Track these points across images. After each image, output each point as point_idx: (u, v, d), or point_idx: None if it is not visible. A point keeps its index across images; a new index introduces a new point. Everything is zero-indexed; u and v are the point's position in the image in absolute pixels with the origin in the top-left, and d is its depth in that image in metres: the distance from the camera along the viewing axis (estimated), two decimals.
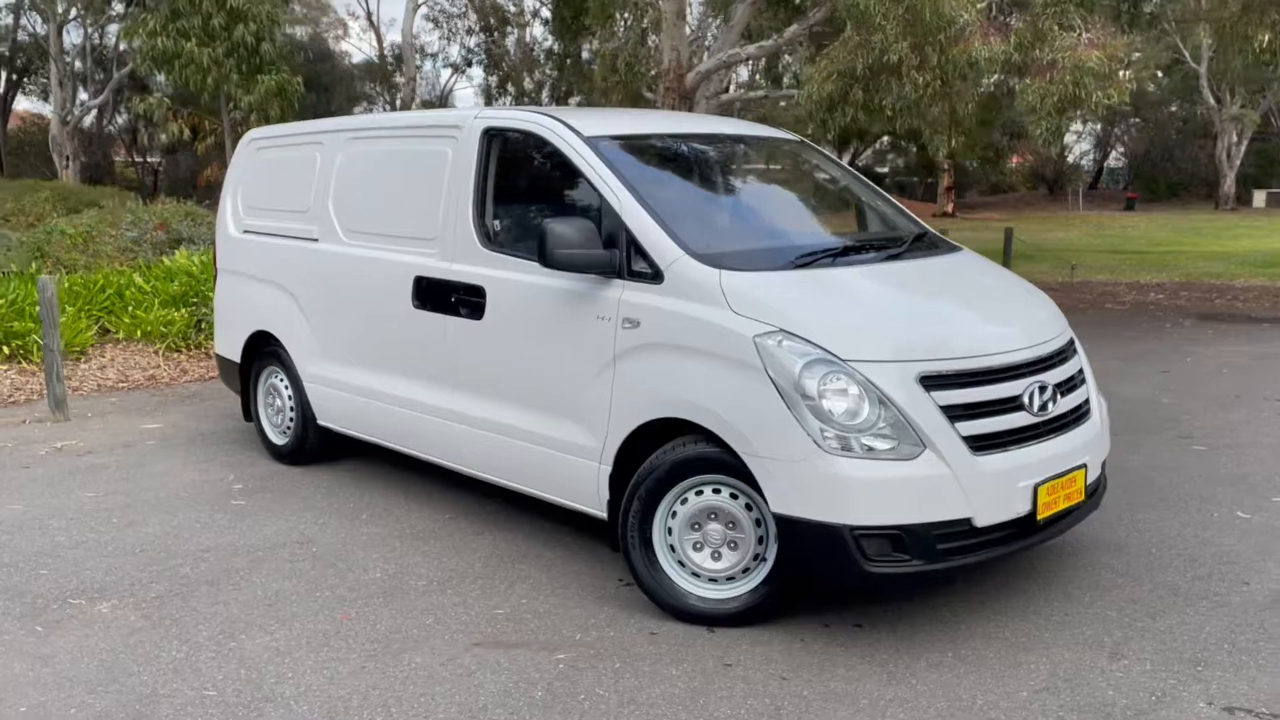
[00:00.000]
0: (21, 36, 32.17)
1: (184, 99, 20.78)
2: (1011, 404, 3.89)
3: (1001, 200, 50.35)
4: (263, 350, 6.24)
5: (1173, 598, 4.29)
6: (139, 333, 9.63)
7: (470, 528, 5.12)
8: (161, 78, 18.62)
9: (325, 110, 33.75)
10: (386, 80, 37.96)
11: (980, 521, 3.75)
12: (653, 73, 17.65)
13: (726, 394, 3.81)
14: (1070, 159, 56.79)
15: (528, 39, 35.25)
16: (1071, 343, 4.41)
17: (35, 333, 8.74)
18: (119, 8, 25.98)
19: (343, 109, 36.82)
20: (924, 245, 4.82)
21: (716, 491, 3.95)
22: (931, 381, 3.72)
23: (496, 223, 4.77)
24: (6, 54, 33.17)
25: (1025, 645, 3.87)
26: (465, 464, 4.98)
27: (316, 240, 5.73)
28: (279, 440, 6.23)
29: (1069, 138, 54.98)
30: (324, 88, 39.16)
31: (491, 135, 4.80)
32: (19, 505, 5.53)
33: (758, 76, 21.34)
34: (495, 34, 33.84)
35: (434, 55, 38.34)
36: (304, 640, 3.92)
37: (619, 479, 4.18)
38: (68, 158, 27.85)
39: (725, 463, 3.85)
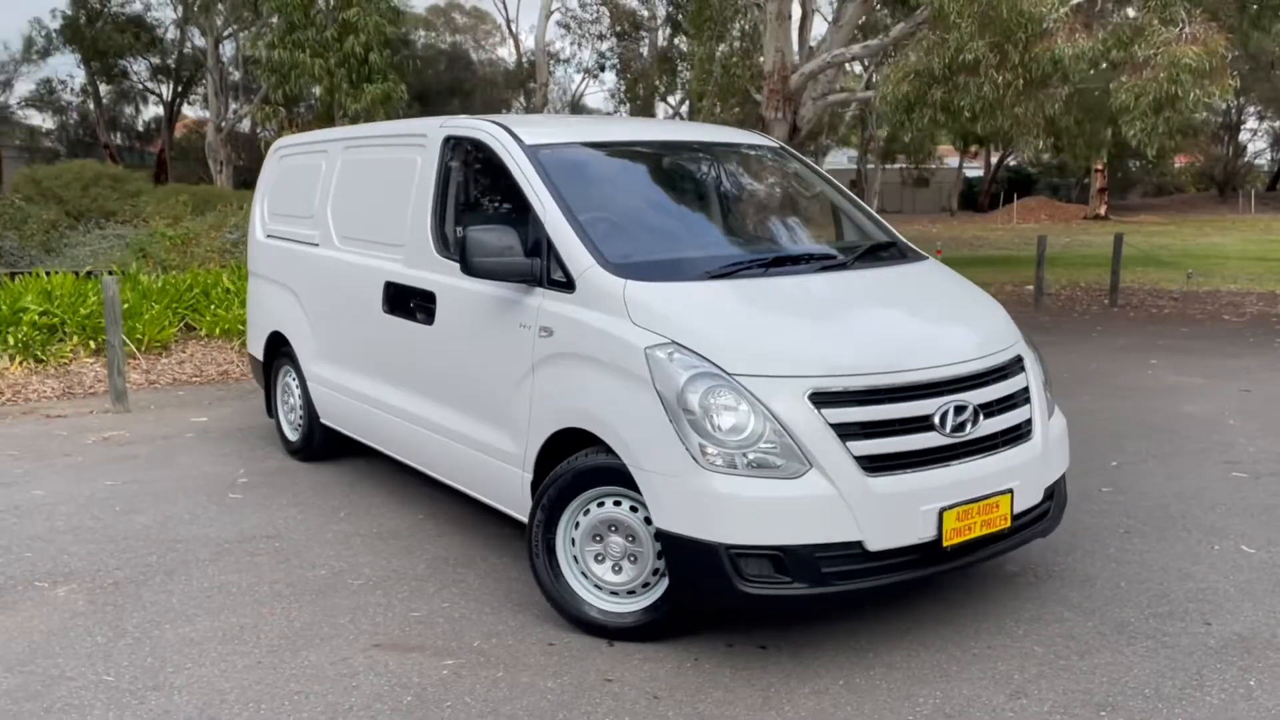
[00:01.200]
0: (186, 49, 34.35)
1: (305, 107, 21.87)
2: (919, 424, 3.71)
3: (1166, 203, 47.69)
4: (279, 350, 6.51)
5: (1115, 635, 4.01)
6: (218, 330, 10.18)
7: (435, 529, 5.21)
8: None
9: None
10: (523, 86, 38.81)
11: (873, 545, 3.59)
12: (753, 74, 17.47)
13: (620, 406, 3.78)
14: (1245, 158, 53.22)
15: (659, 43, 35.47)
16: (1016, 361, 4.17)
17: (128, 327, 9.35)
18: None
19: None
20: (877, 256, 4.67)
21: (617, 504, 3.91)
22: (823, 398, 3.58)
23: (451, 230, 4.85)
24: (173, 66, 35.46)
25: (925, 677, 3.69)
26: (427, 466, 5.09)
27: (317, 245, 5.95)
28: (292, 436, 6.50)
29: (1243, 135, 51.47)
30: (465, 94, 40.45)
31: (451, 144, 4.89)
32: (41, 490, 5.93)
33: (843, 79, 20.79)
34: (627, 39, 34.17)
35: (566, 61, 38.93)
36: (220, 632, 4.08)
37: (539, 486, 4.19)
38: (221, 163, 29.58)
39: (624, 475, 3.81)
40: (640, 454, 3.68)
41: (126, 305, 9.57)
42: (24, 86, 37.41)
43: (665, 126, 5.93)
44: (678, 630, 3.94)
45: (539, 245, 4.20)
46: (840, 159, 42.28)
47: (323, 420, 6.06)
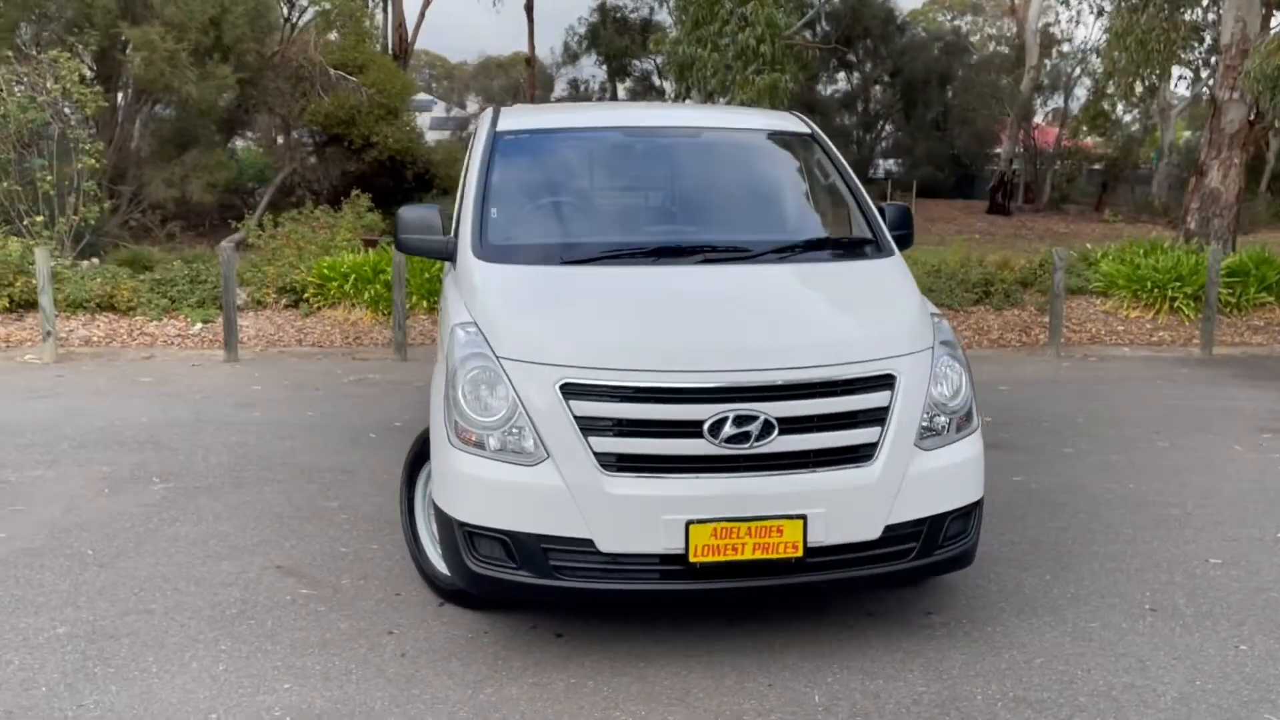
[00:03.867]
0: None
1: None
2: (684, 428, 3.47)
3: None
4: None
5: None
6: None
7: None
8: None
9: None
10: (1010, 72, 36.74)
11: (605, 547, 3.47)
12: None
13: (436, 379, 4.00)
14: None
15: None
16: (877, 379, 3.65)
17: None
18: None
19: (967, 105, 36.63)
20: (817, 252, 4.31)
21: None
22: (573, 390, 3.51)
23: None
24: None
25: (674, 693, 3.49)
26: None
27: None
28: None
29: None
30: (955, 81, 39.28)
31: (493, 135, 5.20)
32: (192, 406, 7.35)
33: None
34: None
35: (1066, 41, 36.10)
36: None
37: None
38: None
39: None
40: (432, 426, 3.88)
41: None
42: (559, 87, 42.73)
43: (683, 111, 5.84)
44: (509, 605, 4.02)
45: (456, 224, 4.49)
46: None
47: None
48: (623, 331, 3.73)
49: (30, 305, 10.65)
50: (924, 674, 3.64)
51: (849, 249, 4.45)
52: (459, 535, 3.62)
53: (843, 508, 3.54)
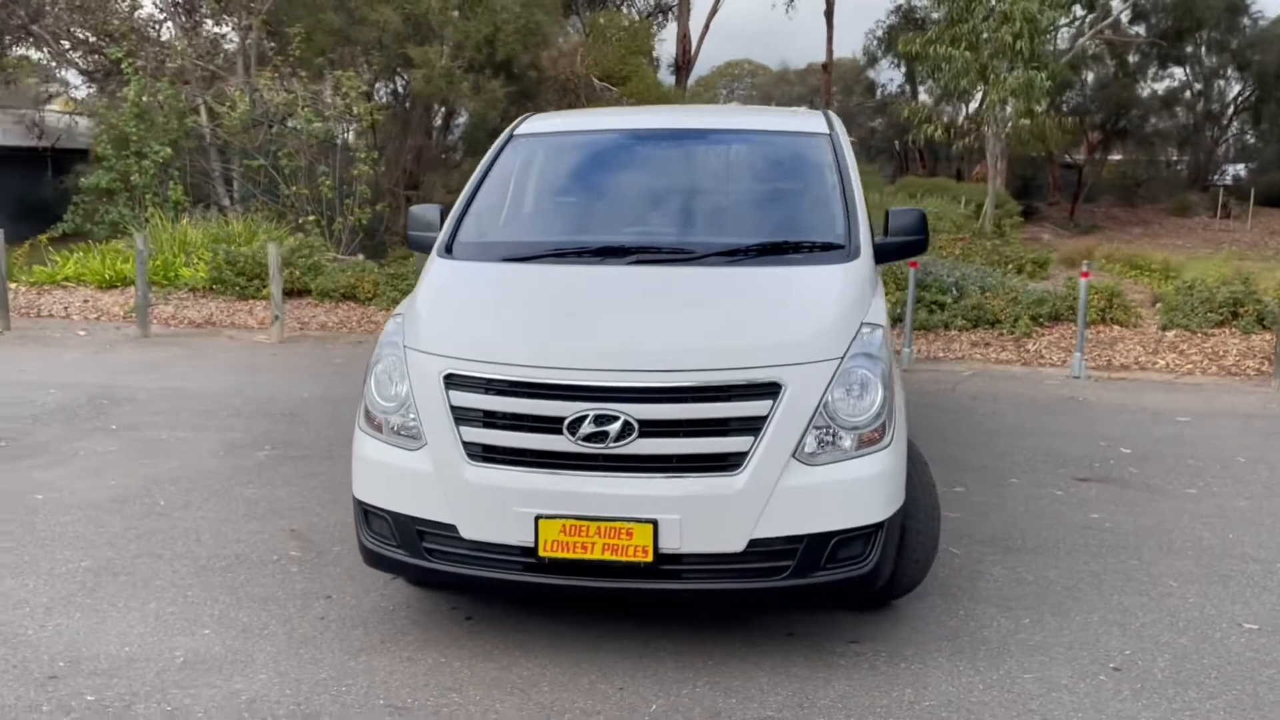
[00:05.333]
0: None
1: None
2: (546, 424, 3.53)
3: None
4: None
5: None
6: None
7: None
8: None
9: None
10: None
11: (466, 533, 3.60)
12: None
13: None
14: None
15: None
16: (758, 386, 3.51)
17: None
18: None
19: None
20: (768, 255, 4.21)
21: None
22: (453, 380, 3.67)
23: None
24: None
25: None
26: None
27: None
28: None
29: None
30: None
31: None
32: None
33: None
34: None
35: None
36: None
37: None
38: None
39: None
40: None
41: None
42: (859, 92, 42.07)
43: (705, 114, 5.70)
44: (448, 586, 4.19)
45: None
46: None
47: None
48: (509, 328, 3.84)
49: (292, 293, 12.16)
50: (787, 700, 3.47)
51: (808, 253, 4.27)
52: (356, 512, 3.89)
53: (700, 516, 3.45)
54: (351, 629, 3.98)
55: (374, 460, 3.80)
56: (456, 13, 17.63)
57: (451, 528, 3.62)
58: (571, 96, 19.59)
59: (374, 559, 3.86)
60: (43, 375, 8.74)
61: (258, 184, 16.14)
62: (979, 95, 16.42)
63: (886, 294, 11.00)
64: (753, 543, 3.49)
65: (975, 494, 5.75)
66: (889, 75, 43.08)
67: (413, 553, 3.71)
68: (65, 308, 12.56)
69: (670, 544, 3.45)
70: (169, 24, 18.56)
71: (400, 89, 19.46)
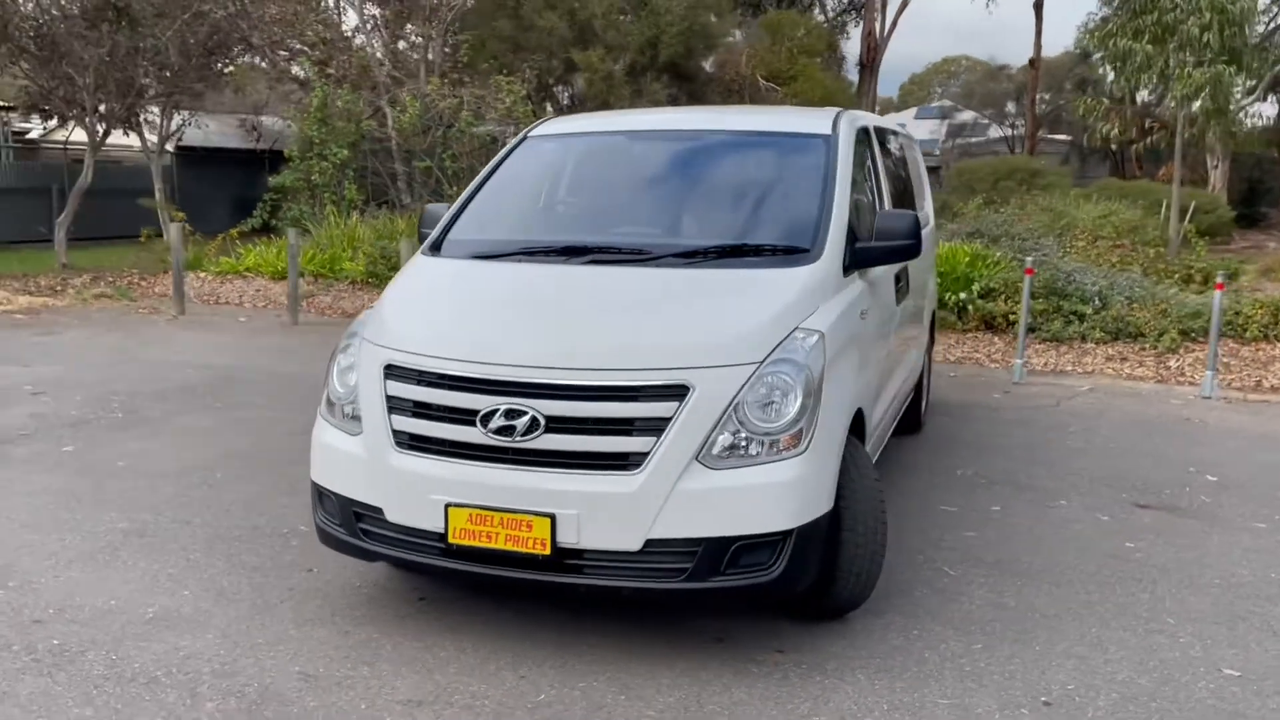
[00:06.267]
0: None
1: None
2: (463, 415, 3.67)
3: None
4: None
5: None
6: None
7: None
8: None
9: None
10: None
11: (391, 517, 3.78)
12: None
13: None
14: None
15: None
16: (665, 388, 3.52)
17: None
18: None
19: None
20: (726, 257, 4.19)
21: None
22: (391, 371, 3.87)
23: None
24: None
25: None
26: None
27: None
28: None
29: None
30: None
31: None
32: None
33: None
34: None
35: None
36: None
37: None
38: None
39: None
40: None
41: None
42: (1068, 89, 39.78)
43: (714, 115, 5.57)
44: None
45: None
46: None
47: None
48: (446, 323, 4.00)
49: None
50: (676, 702, 3.47)
51: (769, 255, 4.20)
52: (312, 492, 4.14)
53: (597, 513, 3.50)
54: (310, 600, 4.24)
55: (325, 444, 4.05)
56: (621, 17, 17.96)
57: (380, 510, 3.81)
58: (735, 98, 19.61)
59: (324, 537, 4.10)
60: (189, 355, 9.61)
61: (427, 185, 17.03)
62: (1161, 91, 15.24)
63: (1010, 301, 10.57)
64: (650, 542, 3.50)
65: (1011, 515, 5.46)
66: (1102, 70, 40.51)
67: (350, 533, 3.93)
68: (240, 295, 13.72)
69: (568, 539, 3.51)
70: (360, 35, 19.84)
71: (565, 92, 20.02)
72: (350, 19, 20.90)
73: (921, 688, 3.59)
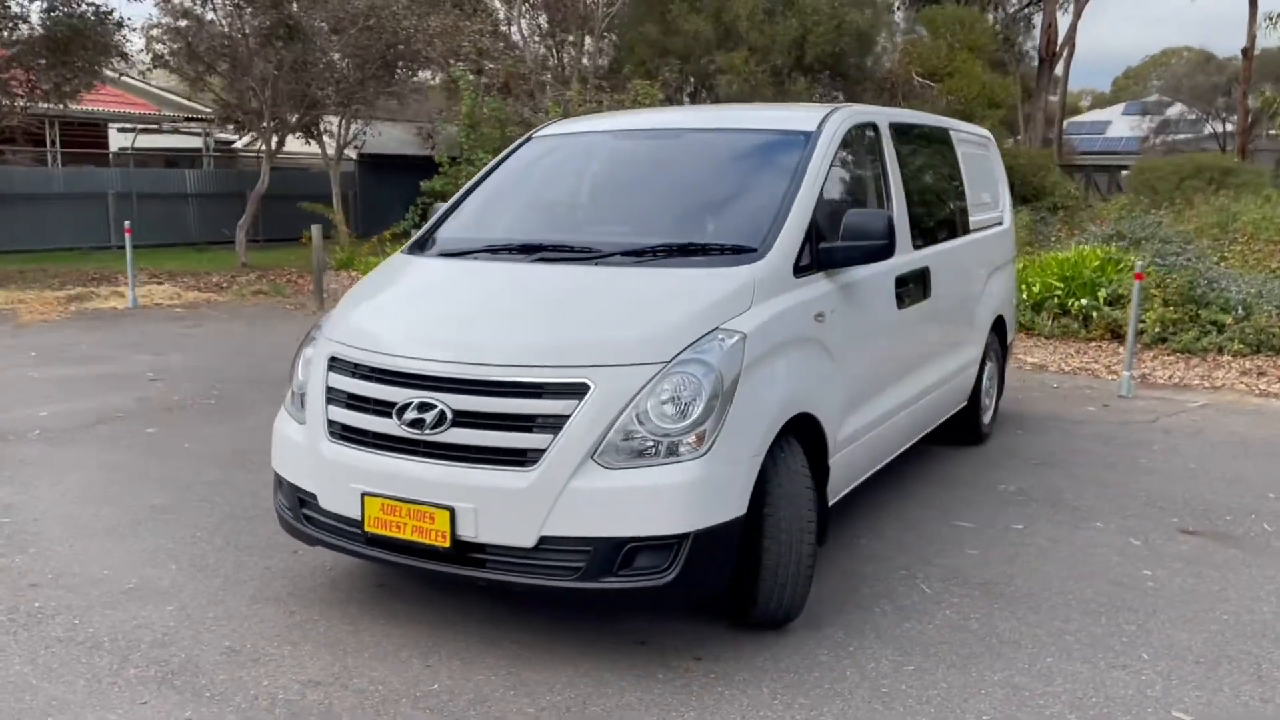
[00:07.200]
0: None
1: None
2: (383, 407, 3.78)
3: None
4: None
5: None
6: None
7: None
8: None
9: None
10: None
11: (324, 504, 3.93)
12: None
13: None
14: None
15: None
16: (566, 386, 3.52)
17: None
18: None
19: None
20: (670, 255, 4.15)
21: None
22: (334, 363, 4.02)
23: None
24: None
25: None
26: None
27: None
28: None
29: None
30: None
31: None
32: None
33: None
34: None
35: None
36: None
37: None
38: None
39: None
40: None
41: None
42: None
43: (699, 114, 5.37)
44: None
45: None
46: None
47: None
48: (385, 318, 4.13)
49: None
50: (563, 701, 3.45)
51: (717, 254, 4.11)
52: (274, 479, 4.35)
53: (492, 507, 3.53)
54: (276, 580, 4.46)
55: (281, 432, 4.25)
56: (765, 18, 17.82)
57: (315, 497, 3.97)
58: (887, 96, 19.08)
59: (281, 521, 4.30)
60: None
61: None
62: None
63: (1151, 308, 9.77)
64: (544, 540, 3.51)
65: (1030, 535, 5.12)
66: None
67: (296, 518, 4.11)
68: None
69: (467, 532, 3.57)
70: (518, 40, 20.49)
71: (709, 96, 20.00)
72: (509, 28, 21.58)
73: (822, 706, 3.44)
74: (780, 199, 4.25)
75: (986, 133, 7.28)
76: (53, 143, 23.14)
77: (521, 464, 3.53)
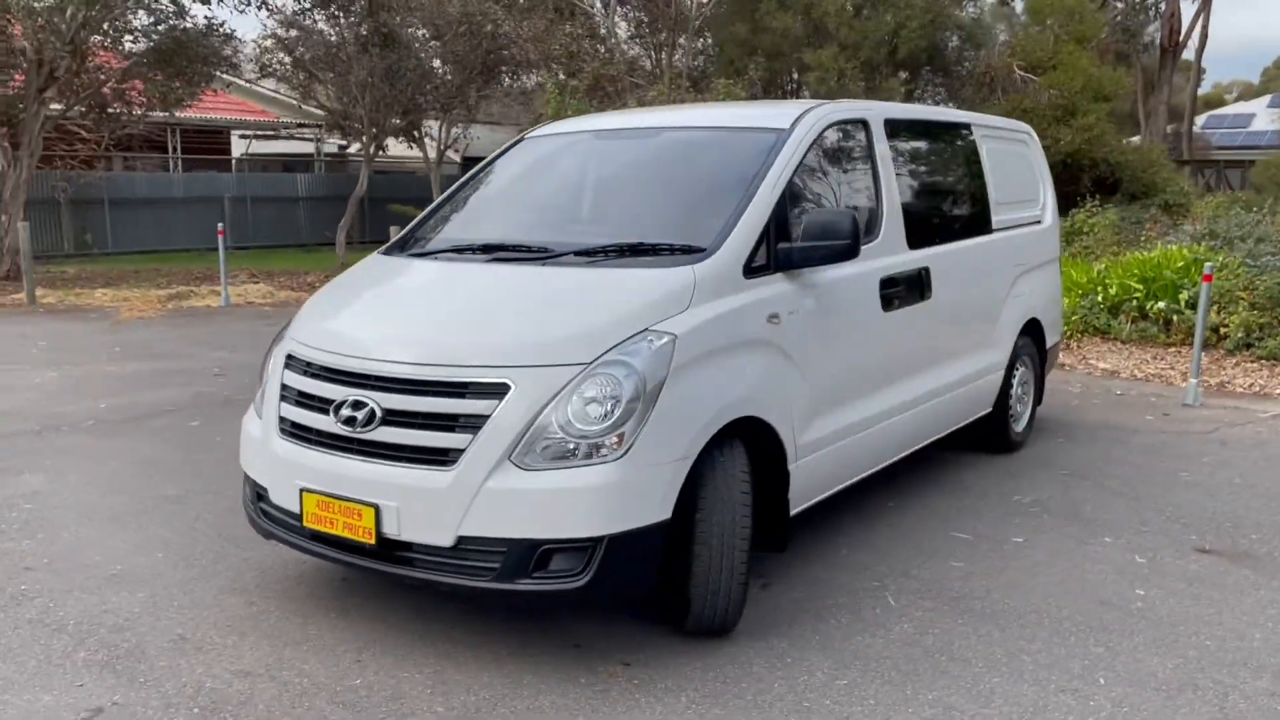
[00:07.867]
0: None
1: None
2: (322, 404, 3.86)
3: None
4: None
5: None
6: None
7: None
8: None
9: None
10: None
11: (274, 498, 4.03)
12: None
13: None
14: None
15: None
16: (489, 387, 3.52)
17: None
18: None
19: None
20: (621, 255, 4.11)
21: None
22: (289, 362, 4.11)
23: None
24: None
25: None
26: None
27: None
28: None
29: None
30: None
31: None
32: None
33: None
34: None
35: None
36: None
37: None
38: None
39: None
40: None
41: None
42: None
43: (678, 113, 5.28)
44: None
45: None
46: None
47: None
48: (337, 317, 4.20)
49: None
50: (477, 701, 3.45)
51: (666, 254, 4.03)
52: (243, 476, 4.48)
53: (413, 506, 3.56)
54: (249, 572, 4.58)
55: (245, 429, 4.36)
56: (855, 14, 17.49)
57: (267, 491, 4.07)
58: (986, 90, 18.47)
59: (247, 515, 4.42)
60: None
61: None
62: None
63: (1225, 312, 9.21)
64: (461, 539, 3.52)
65: (1028, 549, 4.89)
66: None
67: (255, 512, 4.22)
68: None
69: (390, 529, 3.60)
70: (612, 41, 20.59)
71: (798, 95, 19.72)
72: (604, 30, 21.71)
73: (736, 717, 3.35)
74: (737, 198, 4.15)
75: (1025, 127, 6.96)
76: (174, 149, 24.35)
77: (443, 464, 3.55)
